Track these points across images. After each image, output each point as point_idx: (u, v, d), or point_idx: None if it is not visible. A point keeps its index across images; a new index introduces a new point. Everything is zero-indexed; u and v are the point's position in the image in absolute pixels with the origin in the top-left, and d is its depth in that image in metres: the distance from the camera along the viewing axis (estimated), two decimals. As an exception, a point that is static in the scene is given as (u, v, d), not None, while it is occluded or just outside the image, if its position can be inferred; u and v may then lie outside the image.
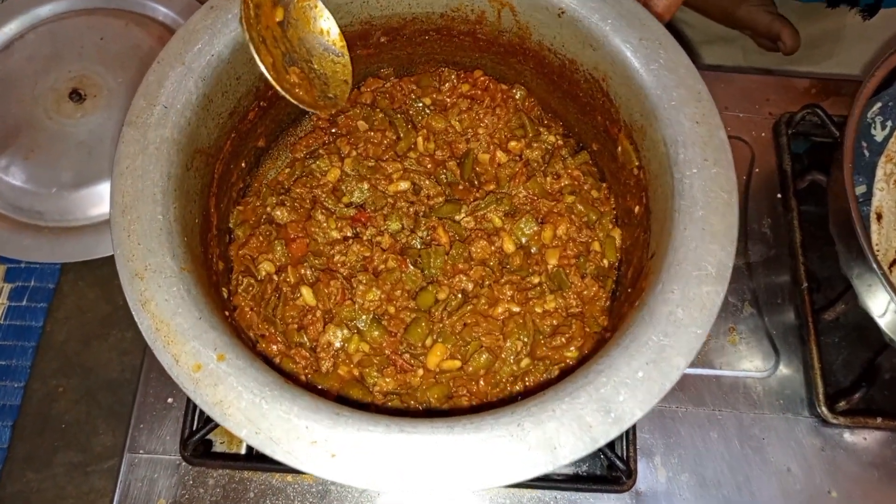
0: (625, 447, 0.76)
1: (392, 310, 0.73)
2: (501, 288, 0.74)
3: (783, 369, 0.86)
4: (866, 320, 0.77)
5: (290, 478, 0.78)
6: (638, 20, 0.69)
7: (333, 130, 0.84)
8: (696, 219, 0.61)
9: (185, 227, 0.62)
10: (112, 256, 0.61)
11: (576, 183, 0.80)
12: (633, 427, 0.77)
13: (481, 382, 0.71)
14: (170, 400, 0.82)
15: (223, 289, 0.71)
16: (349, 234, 0.77)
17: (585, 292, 0.75)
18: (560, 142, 0.83)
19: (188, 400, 0.78)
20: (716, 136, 0.64)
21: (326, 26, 0.72)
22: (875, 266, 0.70)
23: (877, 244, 0.79)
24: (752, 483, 0.80)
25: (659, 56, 0.67)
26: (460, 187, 0.80)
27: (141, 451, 0.79)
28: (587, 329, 0.73)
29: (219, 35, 0.67)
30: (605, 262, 0.77)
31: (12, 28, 1.12)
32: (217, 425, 0.68)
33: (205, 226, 0.69)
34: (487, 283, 0.74)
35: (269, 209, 0.78)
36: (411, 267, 0.74)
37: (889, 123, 0.82)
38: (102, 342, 1.02)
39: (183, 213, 0.63)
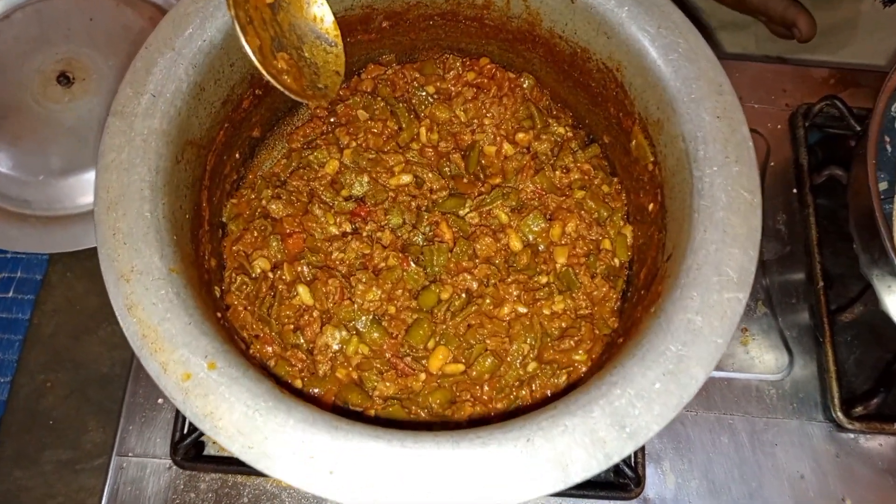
0: (633, 453, 0.73)
1: (393, 310, 0.70)
2: (507, 287, 0.71)
3: (797, 372, 0.83)
4: (882, 320, 0.74)
5: (284, 483, 0.75)
6: (657, 7, 0.65)
7: (332, 120, 0.80)
8: (717, 220, 0.58)
9: (174, 223, 0.59)
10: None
11: (586, 177, 0.77)
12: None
13: (486, 387, 0.68)
14: (160, 400, 0.79)
15: (215, 287, 0.68)
16: (348, 230, 0.74)
17: (595, 293, 0.72)
18: (570, 134, 0.79)
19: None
20: (738, 132, 0.60)
21: (320, 13, 0.68)
22: (900, 268, 0.67)
23: (900, 244, 0.76)
24: (764, 490, 0.78)
25: (678, 46, 0.63)
26: (465, 181, 0.77)
27: (130, 454, 0.76)
28: (596, 331, 0.70)
29: (211, 19, 0.63)
30: (616, 261, 0.74)
31: (-3, 8, 1.08)
32: (209, 430, 0.65)
33: (196, 221, 0.66)
34: (493, 282, 0.71)
35: (264, 202, 0.74)
36: (413, 265, 0.71)
37: (914, 118, 0.79)
38: (92, 336, 0.99)
39: (172, 209, 0.59)
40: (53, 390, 0.99)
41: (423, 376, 0.68)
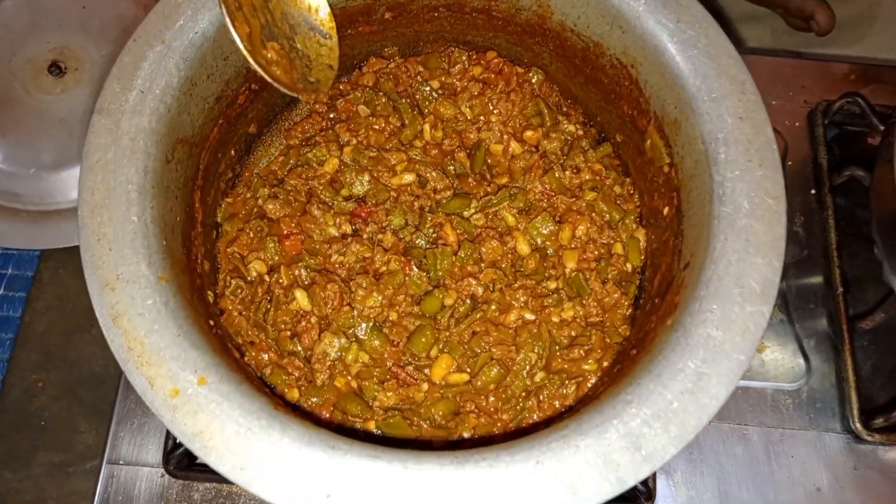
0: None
1: (394, 316, 0.67)
2: (514, 293, 0.68)
3: (814, 380, 0.80)
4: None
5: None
6: (675, 0, 0.61)
7: (332, 116, 0.77)
8: (739, 228, 0.54)
9: (163, 227, 0.56)
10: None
11: (597, 178, 0.74)
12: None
13: (491, 398, 0.65)
14: (153, 407, 0.76)
15: (209, 291, 0.65)
16: (348, 231, 0.71)
17: (606, 299, 0.69)
18: (580, 132, 0.76)
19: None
20: (762, 133, 0.57)
21: (315, 3, 0.65)
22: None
23: (926, 250, 0.73)
24: (779, 503, 0.75)
25: (698, 41, 0.60)
26: (470, 180, 0.74)
27: (121, 462, 0.73)
28: (607, 340, 0.68)
29: (203, 10, 0.60)
30: (629, 266, 0.71)
31: (-14, -4, 1.05)
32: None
33: (188, 223, 0.63)
34: (499, 287, 0.69)
35: (260, 202, 0.71)
36: (415, 269, 0.68)
37: (941, 117, 0.75)
38: (85, 335, 0.97)
39: (162, 211, 0.56)
40: (45, 390, 0.97)
41: (425, 386, 0.65)
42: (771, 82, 0.93)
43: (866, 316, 0.80)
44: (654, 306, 0.63)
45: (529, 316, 0.67)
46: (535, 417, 0.65)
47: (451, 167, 0.74)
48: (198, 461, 0.73)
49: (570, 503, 0.47)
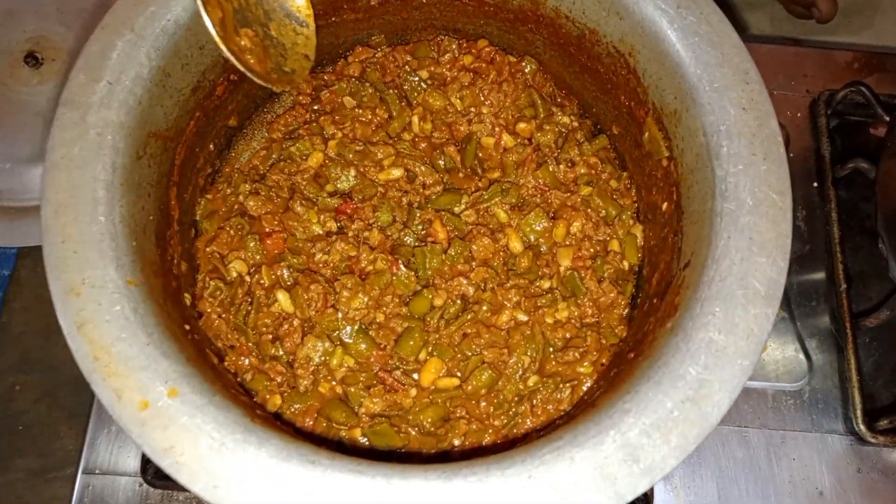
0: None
1: (381, 318, 0.64)
2: (506, 293, 0.66)
3: (816, 380, 0.78)
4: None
5: None
6: (676, -16, 0.58)
7: (316, 107, 0.74)
8: (742, 225, 0.52)
9: (134, 227, 0.53)
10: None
11: (593, 172, 0.71)
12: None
13: (482, 403, 0.63)
14: (131, 412, 0.73)
15: (186, 294, 0.62)
16: (333, 229, 0.68)
17: (602, 299, 0.66)
18: (575, 124, 0.73)
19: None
20: (766, 125, 0.54)
21: (291, -11, 0.61)
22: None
23: (933, 246, 0.70)
24: (781, 508, 0.73)
25: (700, 28, 0.57)
26: (460, 175, 0.71)
27: (97, 471, 0.70)
28: (603, 341, 0.65)
29: (175, -4, 0.56)
30: (625, 263, 0.68)
31: (-43, -17, 1.01)
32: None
33: (163, 222, 0.59)
34: (490, 287, 0.66)
35: (241, 198, 0.69)
36: (403, 268, 0.65)
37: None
38: (64, 336, 0.94)
39: (132, 210, 0.53)
40: (23, 393, 0.94)
41: (413, 391, 0.62)
42: (772, 71, 0.90)
43: (870, 313, 0.77)
44: (652, 307, 0.61)
45: (522, 317, 0.65)
46: (529, 423, 0.62)
47: (441, 161, 0.71)
48: (178, 468, 0.71)
49: (565, 520, 0.44)
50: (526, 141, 0.72)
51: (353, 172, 0.69)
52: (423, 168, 0.70)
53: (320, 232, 0.68)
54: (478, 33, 0.76)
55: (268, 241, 0.67)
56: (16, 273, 0.97)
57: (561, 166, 0.71)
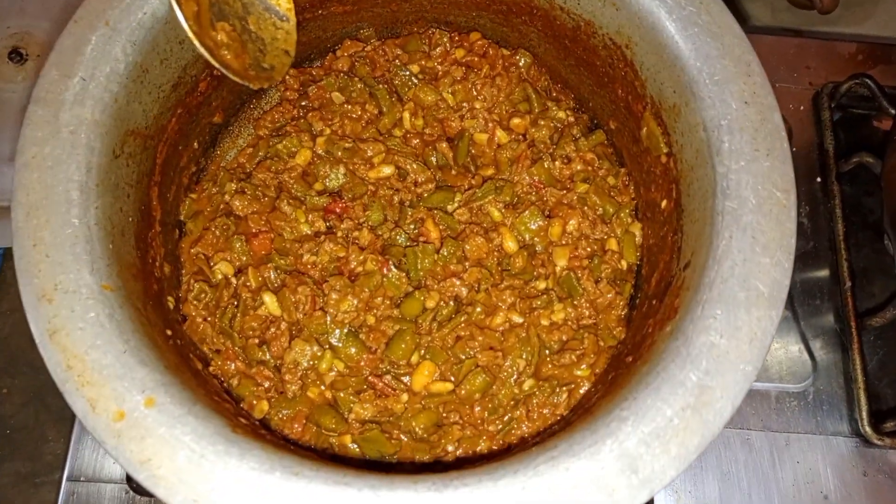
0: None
1: (371, 320, 0.62)
2: (501, 294, 0.64)
3: (820, 381, 0.76)
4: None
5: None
6: (674, -27, 0.56)
7: (304, 103, 0.72)
8: (745, 224, 0.50)
9: (111, 230, 0.51)
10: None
11: (589, 168, 0.69)
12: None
13: (477, 408, 0.61)
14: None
15: (169, 297, 0.60)
16: (321, 229, 0.66)
17: (600, 300, 0.64)
18: (571, 118, 0.72)
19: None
20: (769, 120, 0.52)
21: (270, -20, 0.59)
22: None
23: (941, 243, 0.68)
24: (784, 512, 0.71)
25: (700, 18, 0.55)
26: (453, 172, 0.70)
27: (82, 478, 0.68)
28: (601, 343, 0.63)
29: (153, -12, 0.54)
30: (623, 263, 0.66)
31: (-62, -23, 0.99)
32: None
33: (144, 223, 0.57)
34: (484, 288, 0.65)
35: (227, 198, 0.67)
36: (394, 269, 0.64)
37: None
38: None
39: (109, 212, 0.51)
40: (10, 397, 0.92)
41: (405, 396, 0.61)
42: (774, 63, 0.88)
43: (874, 311, 0.75)
44: (651, 308, 0.59)
45: (517, 318, 0.63)
46: (525, 428, 0.60)
47: (433, 158, 0.70)
48: (165, 476, 0.69)
49: (559, 534, 0.43)
50: (520, 137, 0.71)
51: (342, 170, 0.67)
52: (414, 165, 0.68)
53: (308, 232, 0.66)
54: (470, 26, 0.75)
55: (254, 242, 0.65)
56: (2, 274, 0.95)
57: (556, 163, 0.69)
